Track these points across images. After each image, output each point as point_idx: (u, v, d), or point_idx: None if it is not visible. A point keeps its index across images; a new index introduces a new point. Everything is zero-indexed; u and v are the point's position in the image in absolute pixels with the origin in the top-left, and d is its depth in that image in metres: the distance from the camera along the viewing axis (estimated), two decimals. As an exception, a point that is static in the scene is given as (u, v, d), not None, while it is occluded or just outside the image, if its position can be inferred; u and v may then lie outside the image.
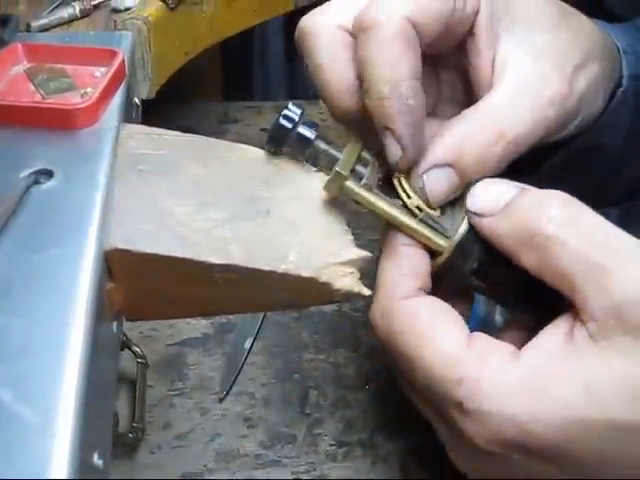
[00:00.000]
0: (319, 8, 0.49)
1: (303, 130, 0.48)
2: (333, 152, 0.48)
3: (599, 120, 0.56)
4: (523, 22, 0.50)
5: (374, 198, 0.47)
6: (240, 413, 0.63)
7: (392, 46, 0.44)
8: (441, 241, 0.47)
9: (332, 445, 0.61)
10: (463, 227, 0.47)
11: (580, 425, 0.40)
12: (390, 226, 0.48)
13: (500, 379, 0.42)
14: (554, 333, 0.43)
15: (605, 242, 0.42)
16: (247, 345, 0.68)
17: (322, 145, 0.49)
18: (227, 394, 0.64)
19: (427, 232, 0.47)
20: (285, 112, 0.48)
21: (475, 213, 0.46)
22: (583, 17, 0.54)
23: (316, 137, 0.48)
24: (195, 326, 0.70)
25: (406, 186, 0.48)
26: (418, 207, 0.47)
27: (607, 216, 0.44)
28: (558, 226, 0.43)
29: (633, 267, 0.41)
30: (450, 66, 0.53)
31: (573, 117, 0.51)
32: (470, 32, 0.49)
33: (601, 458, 0.41)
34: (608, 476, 0.42)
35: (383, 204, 0.47)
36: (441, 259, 0.47)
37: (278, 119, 0.48)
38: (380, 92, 0.45)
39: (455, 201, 0.48)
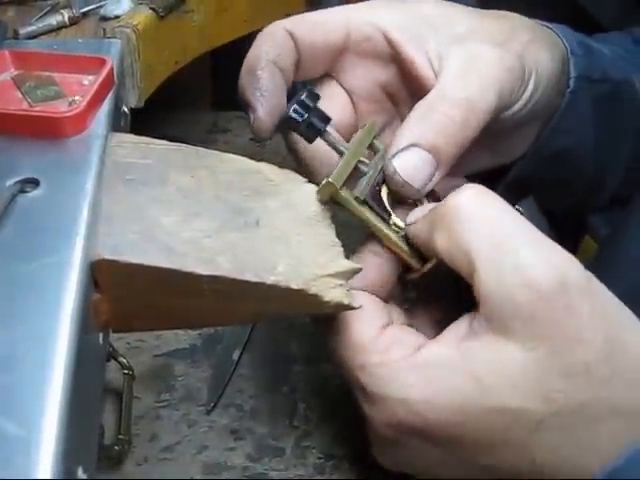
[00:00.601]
0: None
1: (315, 121, 0.50)
2: (341, 147, 0.50)
3: (556, 123, 0.59)
4: (444, 22, 0.54)
5: (362, 209, 0.48)
6: (228, 425, 0.62)
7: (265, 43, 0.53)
8: (414, 262, 0.49)
9: (320, 458, 0.60)
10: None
11: (468, 410, 0.42)
12: (373, 236, 0.50)
13: (399, 366, 0.45)
14: (458, 325, 0.45)
15: (509, 227, 0.44)
16: (235, 357, 0.67)
17: (331, 137, 0.50)
18: (215, 406, 0.63)
19: (406, 250, 0.49)
20: (301, 98, 0.50)
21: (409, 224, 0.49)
22: (523, 17, 0.58)
23: (325, 130, 0.49)
24: (182, 337, 0.69)
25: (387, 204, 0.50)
26: (396, 224, 0.49)
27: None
28: (465, 207, 0.44)
29: (530, 252, 0.42)
30: (397, 88, 0.57)
31: (522, 83, 0.53)
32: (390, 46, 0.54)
33: (489, 442, 0.43)
34: (496, 460, 0.43)
35: (370, 216, 0.49)
36: (416, 273, 0.50)
37: (291, 108, 0.50)
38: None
39: None
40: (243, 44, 0.54)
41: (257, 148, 0.93)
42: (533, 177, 0.62)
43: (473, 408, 0.42)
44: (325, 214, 0.49)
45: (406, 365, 0.45)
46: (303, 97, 0.50)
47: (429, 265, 0.49)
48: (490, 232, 0.43)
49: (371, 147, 0.52)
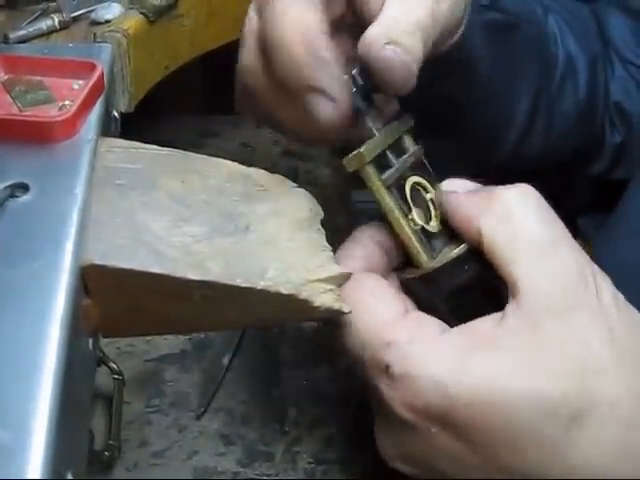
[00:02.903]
0: None
1: (356, 100, 0.48)
2: (374, 131, 0.48)
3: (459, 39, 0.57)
4: None
5: (384, 192, 0.47)
6: (218, 430, 0.62)
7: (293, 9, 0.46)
8: (424, 259, 0.48)
9: (311, 463, 0.60)
10: (452, 253, 0.47)
11: (504, 395, 0.40)
12: (386, 223, 0.49)
13: (431, 345, 0.43)
14: (486, 320, 0.44)
15: (559, 230, 0.44)
16: (225, 361, 0.67)
17: (369, 122, 0.48)
18: (205, 411, 0.63)
19: (417, 245, 0.48)
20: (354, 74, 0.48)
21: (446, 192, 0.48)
22: None
23: (366, 111, 0.48)
24: (172, 342, 0.69)
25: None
26: (414, 220, 0.48)
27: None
28: (518, 202, 0.44)
29: (573, 254, 0.43)
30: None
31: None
32: None
33: (519, 440, 0.41)
34: (523, 461, 0.41)
35: (390, 202, 0.47)
36: (417, 272, 0.48)
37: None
38: (293, 53, 0.45)
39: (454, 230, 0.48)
40: (233, 48, 0.53)
41: (247, 153, 0.93)
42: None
43: (510, 392, 0.40)
44: (315, 219, 0.49)
45: (439, 345, 0.43)
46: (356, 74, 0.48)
47: (457, 250, 0.47)
48: (539, 229, 0.44)
49: (399, 143, 0.50)
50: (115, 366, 0.62)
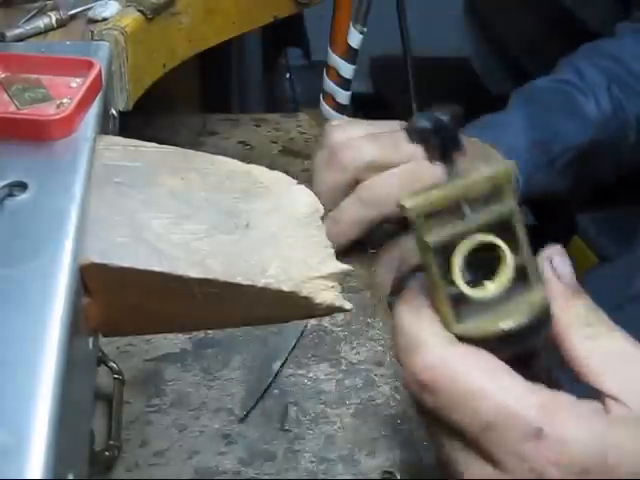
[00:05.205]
0: None
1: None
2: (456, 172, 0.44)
3: None
4: None
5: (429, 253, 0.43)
6: (219, 429, 0.62)
7: None
8: (450, 322, 0.44)
9: (312, 462, 0.60)
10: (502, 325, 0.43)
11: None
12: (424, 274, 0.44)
13: (579, 406, 0.43)
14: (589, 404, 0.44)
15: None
16: (275, 368, 0.66)
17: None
18: (247, 415, 0.63)
19: (445, 305, 0.43)
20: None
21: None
22: None
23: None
24: (173, 341, 0.69)
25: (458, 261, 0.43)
26: (453, 281, 0.43)
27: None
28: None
29: None
30: None
31: None
32: None
33: None
34: None
35: (432, 262, 0.43)
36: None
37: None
38: None
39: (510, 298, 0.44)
40: (231, 46, 0.53)
41: (246, 151, 0.93)
42: None
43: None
44: (315, 216, 0.49)
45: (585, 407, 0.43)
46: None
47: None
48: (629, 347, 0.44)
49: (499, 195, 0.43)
50: (115, 366, 0.62)
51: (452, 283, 0.43)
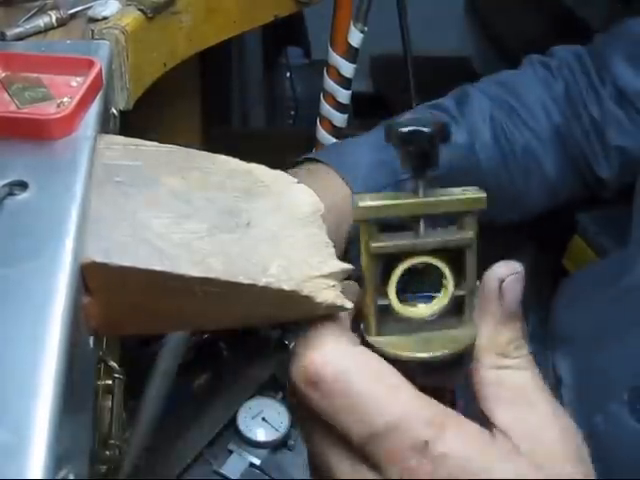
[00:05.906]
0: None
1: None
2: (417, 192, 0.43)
3: None
4: None
5: (370, 260, 0.43)
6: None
7: None
8: (370, 330, 0.44)
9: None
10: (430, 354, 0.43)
11: None
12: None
13: (468, 425, 0.42)
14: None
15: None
16: None
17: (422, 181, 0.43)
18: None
19: (371, 313, 0.44)
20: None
21: None
22: None
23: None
24: (173, 340, 0.68)
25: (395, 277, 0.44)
26: (386, 293, 0.44)
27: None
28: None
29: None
30: None
31: None
32: None
33: None
34: None
35: (372, 267, 0.43)
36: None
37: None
38: None
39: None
40: (232, 45, 0.53)
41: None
42: None
43: None
44: (316, 215, 0.49)
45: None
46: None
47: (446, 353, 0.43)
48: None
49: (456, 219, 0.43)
50: (115, 365, 0.62)
51: (386, 295, 0.43)
